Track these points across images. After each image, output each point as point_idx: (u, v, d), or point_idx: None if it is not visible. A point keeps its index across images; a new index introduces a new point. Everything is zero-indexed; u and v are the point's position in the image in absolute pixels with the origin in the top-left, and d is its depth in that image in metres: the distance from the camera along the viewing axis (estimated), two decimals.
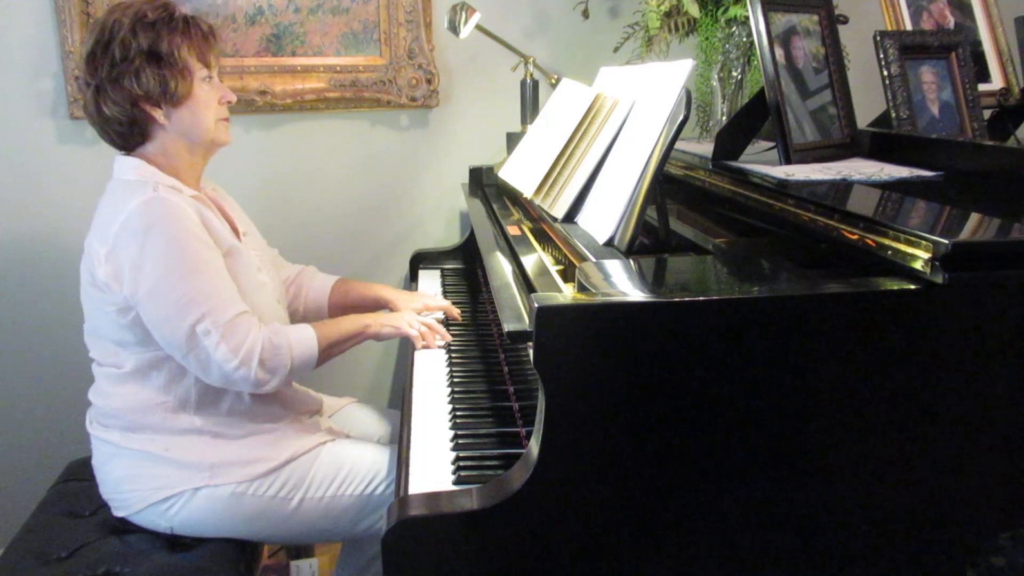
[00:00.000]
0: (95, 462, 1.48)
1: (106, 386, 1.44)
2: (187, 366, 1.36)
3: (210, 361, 1.32)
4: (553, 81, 2.00)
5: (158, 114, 1.38)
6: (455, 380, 1.48)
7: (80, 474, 1.63)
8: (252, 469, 1.41)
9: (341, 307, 1.77)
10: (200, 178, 1.51)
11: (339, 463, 1.46)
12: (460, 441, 1.25)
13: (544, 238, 1.46)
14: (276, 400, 1.49)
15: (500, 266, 1.41)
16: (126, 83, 1.34)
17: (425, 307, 1.73)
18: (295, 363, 1.39)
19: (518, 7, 2.22)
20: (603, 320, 0.95)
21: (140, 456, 1.40)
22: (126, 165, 1.41)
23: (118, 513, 1.45)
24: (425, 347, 1.59)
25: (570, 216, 1.37)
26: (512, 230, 1.56)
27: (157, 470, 1.40)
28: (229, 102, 1.46)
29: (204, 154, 1.48)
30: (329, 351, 1.47)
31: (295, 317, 1.75)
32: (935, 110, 1.70)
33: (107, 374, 1.43)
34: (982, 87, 1.80)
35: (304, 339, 1.42)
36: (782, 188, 1.29)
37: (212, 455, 1.40)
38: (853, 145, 1.59)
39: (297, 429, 1.50)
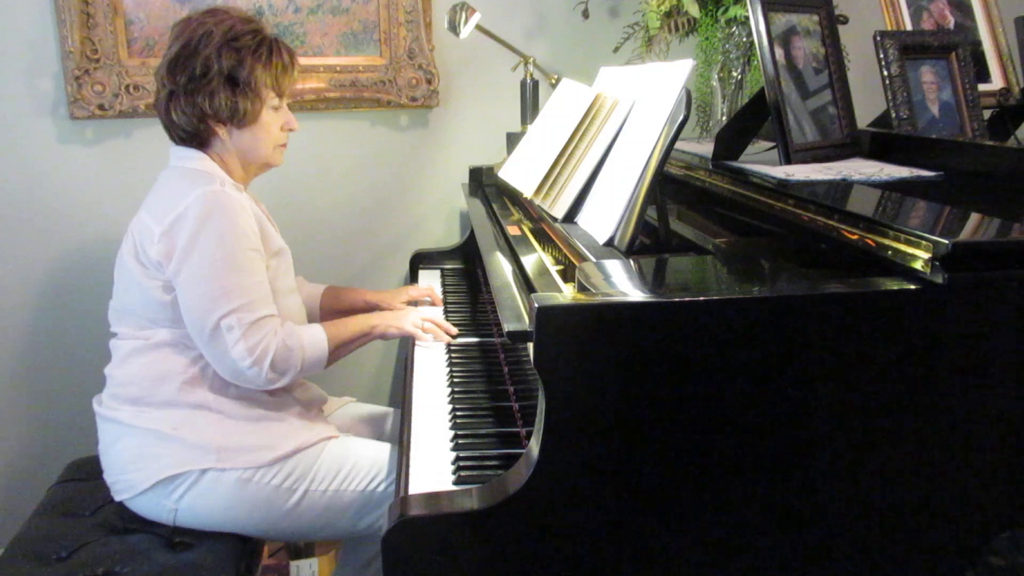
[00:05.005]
0: (101, 447, 1.49)
1: (128, 356, 1.47)
2: (203, 352, 1.42)
3: (226, 355, 1.38)
4: (553, 81, 2.00)
5: (221, 131, 1.45)
6: (455, 380, 1.48)
7: (80, 474, 1.63)
8: (259, 456, 1.42)
9: (333, 311, 1.84)
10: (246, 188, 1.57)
11: (343, 458, 1.48)
12: (460, 441, 1.25)
13: (544, 238, 1.46)
14: (284, 390, 1.52)
15: (500, 266, 1.41)
16: (199, 99, 1.41)
17: (409, 296, 1.87)
18: (305, 363, 1.46)
19: (518, 7, 2.22)
20: (603, 320, 0.95)
21: (148, 435, 1.42)
22: (185, 154, 1.47)
23: (120, 497, 1.45)
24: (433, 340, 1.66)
25: (570, 216, 1.37)
26: (512, 230, 1.56)
27: (164, 449, 1.41)
28: (291, 129, 1.53)
29: (255, 172, 1.56)
30: (338, 351, 1.53)
31: None
32: (935, 110, 1.70)
33: (131, 347, 1.46)
34: (982, 87, 1.80)
35: (316, 341, 1.48)
36: (782, 188, 1.29)
37: (219, 437, 1.42)
38: (853, 145, 1.59)
39: (303, 422, 1.52)
